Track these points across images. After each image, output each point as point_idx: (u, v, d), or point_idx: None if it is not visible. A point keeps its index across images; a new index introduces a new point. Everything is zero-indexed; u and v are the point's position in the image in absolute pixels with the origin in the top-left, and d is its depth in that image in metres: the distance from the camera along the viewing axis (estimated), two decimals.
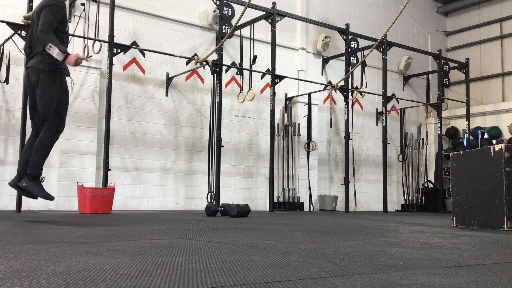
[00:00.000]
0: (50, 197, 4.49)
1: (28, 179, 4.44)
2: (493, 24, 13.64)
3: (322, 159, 11.04)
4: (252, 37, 9.21)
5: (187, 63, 9.27)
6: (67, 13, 4.65)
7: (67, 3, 4.83)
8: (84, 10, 8.07)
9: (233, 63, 9.63)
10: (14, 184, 4.49)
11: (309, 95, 10.18)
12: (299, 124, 10.29)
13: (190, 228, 3.92)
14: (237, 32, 9.19)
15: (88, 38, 7.75)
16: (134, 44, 8.64)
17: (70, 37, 7.58)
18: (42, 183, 4.60)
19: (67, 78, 4.71)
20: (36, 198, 4.55)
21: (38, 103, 4.51)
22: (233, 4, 8.59)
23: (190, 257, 2.02)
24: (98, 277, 1.48)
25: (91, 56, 5.72)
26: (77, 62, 4.43)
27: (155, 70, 9.02)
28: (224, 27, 8.48)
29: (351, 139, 10.38)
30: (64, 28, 4.61)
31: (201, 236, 3.12)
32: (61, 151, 7.67)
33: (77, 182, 7.00)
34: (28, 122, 6.69)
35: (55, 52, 4.34)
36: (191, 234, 3.27)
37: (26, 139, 6.70)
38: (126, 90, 8.66)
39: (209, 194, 8.13)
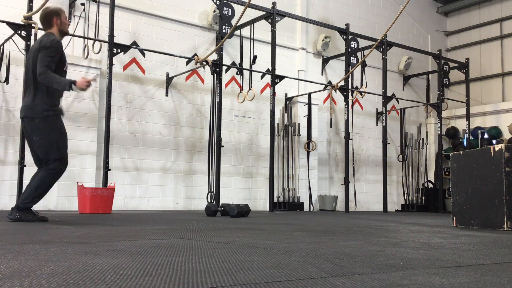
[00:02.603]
0: (44, 219, 4.47)
1: (18, 210, 4.40)
2: (493, 24, 13.64)
3: (322, 159, 11.04)
4: (252, 37, 9.21)
5: (187, 63, 9.27)
6: (68, 14, 4.63)
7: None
8: (84, 10, 8.07)
9: (233, 63, 9.63)
10: (9, 218, 4.43)
11: (309, 95, 10.18)
12: (299, 124, 10.29)
13: (190, 228, 3.92)
14: (237, 32, 9.19)
15: (88, 38, 7.75)
16: (134, 44, 8.64)
17: (70, 37, 7.59)
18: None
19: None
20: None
21: (38, 150, 4.46)
22: (233, 4, 8.59)
23: (190, 257, 2.02)
24: (98, 277, 1.48)
25: (97, 75, 5.65)
26: (88, 85, 4.36)
27: (155, 70, 9.02)
28: (224, 27, 8.48)
29: (351, 139, 10.38)
30: (62, 68, 4.51)
31: (201, 236, 3.12)
32: None
33: (77, 182, 7.00)
34: None
35: (62, 87, 4.31)
36: (191, 234, 3.27)
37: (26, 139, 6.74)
38: (126, 90, 8.66)
39: (209, 194, 8.13)
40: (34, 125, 4.42)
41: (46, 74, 4.28)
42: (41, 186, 4.43)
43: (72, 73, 7.06)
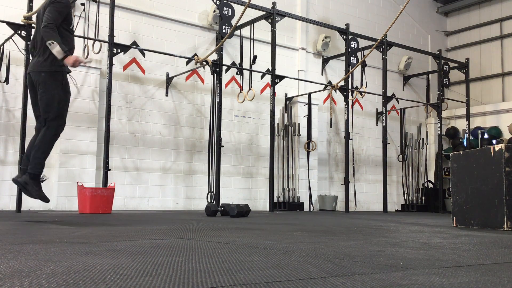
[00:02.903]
0: (46, 199, 4.51)
1: (29, 178, 4.45)
2: (493, 24, 13.64)
3: (322, 159, 11.04)
4: (252, 37, 9.21)
5: (187, 63, 9.27)
6: (72, 12, 4.66)
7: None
8: (84, 10, 8.07)
9: (233, 63, 9.63)
10: (15, 179, 4.51)
11: (309, 95, 10.18)
12: (299, 124, 10.29)
13: (190, 228, 3.92)
14: (237, 32, 9.19)
15: (88, 38, 7.75)
16: (134, 44, 8.65)
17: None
18: (43, 183, 4.61)
19: (69, 78, 4.71)
20: (33, 197, 4.55)
21: (40, 103, 4.53)
22: (233, 4, 8.59)
23: (190, 257, 2.02)
24: (98, 277, 1.48)
25: (91, 60, 5.70)
26: (75, 64, 4.43)
27: (155, 70, 9.02)
28: (224, 27, 8.48)
29: (351, 139, 10.38)
30: (68, 26, 4.60)
31: (201, 236, 3.12)
32: (61, 151, 7.67)
33: (77, 182, 7.00)
34: (28, 122, 6.71)
35: (55, 49, 4.33)
36: (191, 234, 3.27)
37: (26, 139, 6.74)
38: (126, 90, 8.66)
39: (209, 194, 8.13)
40: (40, 78, 4.48)
41: (52, 30, 4.35)
42: (42, 147, 4.47)
43: (72, 73, 7.05)
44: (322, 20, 10.93)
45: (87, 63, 5.05)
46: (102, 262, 1.81)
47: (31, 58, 4.78)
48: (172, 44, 9.24)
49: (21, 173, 4.56)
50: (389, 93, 11.69)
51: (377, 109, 12.23)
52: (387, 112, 11.27)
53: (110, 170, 7.59)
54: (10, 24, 6.74)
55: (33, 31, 6.77)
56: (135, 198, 8.59)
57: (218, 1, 8.47)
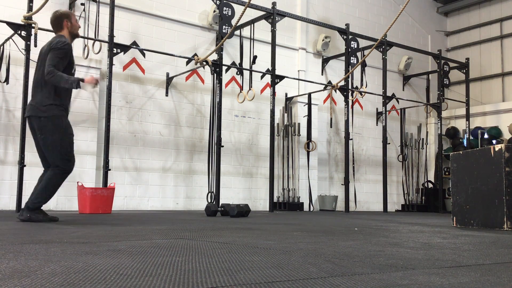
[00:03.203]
0: (55, 219, 4.52)
1: (29, 210, 4.44)
2: (493, 24, 13.64)
3: (322, 159, 11.04)
4: (252, 37, 9.21)
5: (187, 63, 9.27)
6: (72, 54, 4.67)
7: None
8: (84, 10, 8.07)
9: (233, 63, 9.63)
10: (20, 220, 4.47)
11: (309, 95, 10.18)
12: (299, 124, 10.29)
13: (190, 228, 3.92)
14: (237, 32, 9.19)
15: (88, 38, 7.75)
16: (134, 44, 8.65)
17: None
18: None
19: None
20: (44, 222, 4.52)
21: (43, 148, 4.53)
22: (233, 4, 8.59)
23: (190, 257, 2.02)
24: (98, 277, 1.48)
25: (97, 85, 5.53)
26: (96, 82, 4.53)
27: (155, 70, 9.02)
28: (224, 27, 8.47)
29: (351, 139, 10.38)
30: (70, 70, 4.60)
31: (201, 236, 3.12)
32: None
33: (77, 182, 7.00)
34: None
35: (68, 84, 4.37)
36: (191, 234, 3.27)
37: (26, 139, 6.74)
38: (126, 90, 8.66)
39: (209, 194, 8.13)
40: (40, 123, 4.47)
41: (54, 73, 4.35)
42: (48, 186, 4.47)
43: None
44: (322, 20, 10.93)
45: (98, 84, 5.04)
46: (102, 262, 1.81)
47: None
48: (172, 44, 9.24)
49: (22, 210, 4.51)
50: (389, 93, 11.69)
51: (377, 109, 12.23)
52: (387, 112, 11.27)
53: (110, 170, 7.59)
54: (10, 24, 6.74)
55: (33, 31, 6.79)
56: (135, 198, 8.59)
57: (218, 1, 8.47)
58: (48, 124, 4.45)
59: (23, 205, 6.56)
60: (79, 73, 7.78)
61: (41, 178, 4.61)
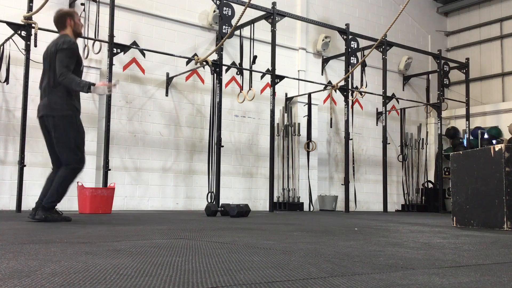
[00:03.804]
0: (68, 219, 4.56)
1: (43, 210, 4.47)
2: (493, 24, 13.63)
3: (322, 159, 11.04)
4: (252, 37, 9.21)
5: (187, 63, 9.27)
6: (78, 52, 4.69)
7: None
8: (84, 10, 8.07)
9: (233, 63, 9.63)
10: (32, 218, 4.50)
11: (309, 95, 10.18)
12: (299, 124, 10.29)
13: (190, 228, 3.92)
14: (237, 32, 9.19)
15: (88, 38, 7.75)
16: (134, 44, 8.65)
17: None
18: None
19: None
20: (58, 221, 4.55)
21: (56, 146, 4.57)
22: (233, 4, 8.58)
23: (190, 257, 2.02)
24: (98, 277, 1.48)
25: (115, 85, 5.30)
26: (109, 88, 4.54)
27: (155, 70, 9.02)
28: (224, 27, 8.47)
29: (351, 139, 10.37)
30: (79, 68, 4.65)
31: (201, 236, 3.12)
32: None
33: (77, 182, 7.00)
34: (28, 122, 6.71)
35: (79, 88, 4.42)
36: (191, 234, 3.27)
37: (26, 139, 6.74)
38: (126, 90, 8.66)
39: (209, 194, 8.13)
40: (54, 122, 4.52)
41: (67, 75, 4.42)
42: (62, 184, 4.52)
43: None
44: (322, 20, 10.93)
45: (115, 86, 5.00)
46: (102, 262, 1.81)
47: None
48: (172, 44, 9.24)
49: (35, 209, 4.52)
50: (389, 93, 11.69)
51: (377, 109, 12.23)
52: (387, 112, 11.27)
53: (110, 170, 7.59)
54: (10, 24, 6.74)
55: (33, 31, 6.79)
56: (135, 198, 8.59)
57: (218, 1, 8.47)
58: (62, 122, 4.51)
59: (23, 205, 6.62)
60: None
61: (50, 178, 4.66)
